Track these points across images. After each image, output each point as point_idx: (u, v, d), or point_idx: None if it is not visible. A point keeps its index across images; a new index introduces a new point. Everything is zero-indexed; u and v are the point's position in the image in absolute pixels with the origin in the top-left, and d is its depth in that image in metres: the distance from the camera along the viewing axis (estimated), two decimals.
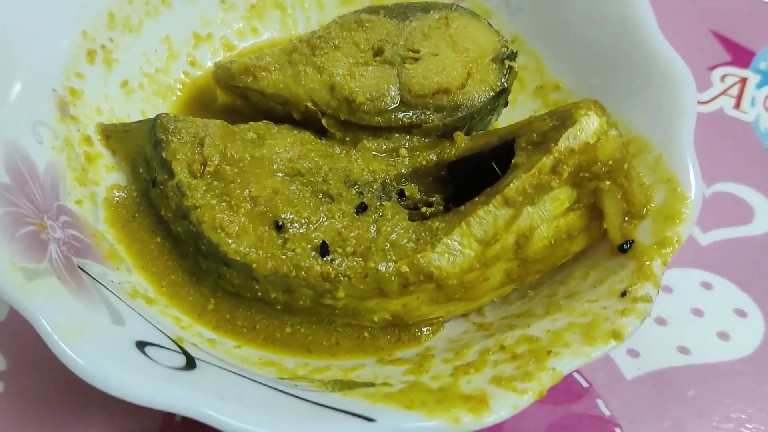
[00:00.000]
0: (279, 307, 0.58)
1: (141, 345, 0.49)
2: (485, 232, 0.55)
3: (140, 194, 0.64)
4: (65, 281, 0.50)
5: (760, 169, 0.84)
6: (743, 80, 0.91)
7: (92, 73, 0.67)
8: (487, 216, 0.55)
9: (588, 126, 0.53)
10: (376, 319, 0.58)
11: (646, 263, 0.53)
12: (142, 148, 0.63)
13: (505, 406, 0.46)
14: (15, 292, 0.47)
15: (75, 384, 0.58)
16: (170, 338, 0.52)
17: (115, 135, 0.66)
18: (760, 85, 0.91)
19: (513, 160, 0.56)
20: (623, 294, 0.52)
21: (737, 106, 0.89)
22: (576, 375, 0.66)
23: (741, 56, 0.93)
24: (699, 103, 0.88)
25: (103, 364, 0.45)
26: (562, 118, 0.54)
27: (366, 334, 0.59)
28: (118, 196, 0.64)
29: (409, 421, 0.45)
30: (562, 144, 0.53)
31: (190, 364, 0.50)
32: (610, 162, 0.53)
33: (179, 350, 0.51)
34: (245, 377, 0.50)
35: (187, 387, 0.46)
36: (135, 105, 0.70)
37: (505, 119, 0.72)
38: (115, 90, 0.70)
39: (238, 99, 0.70)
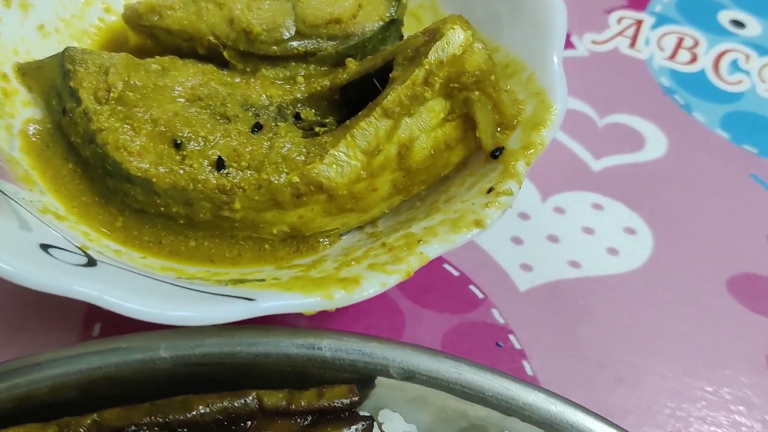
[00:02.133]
0: (182, 222, 0.62)
1: (45, 247, 0.53)
2: (368, 143, 0.60)
3: (53, 125, 0.67)
4: None
5: (652, 102, 0.90)
6: (639, 22, 0.97)
7: (8, 16, 0.71)
8: (368, 127, 0.60)
9: (454, 39, 0.58)
10: (275, 231, 0.63)
11: (512, 164, 0.58)
12: (54, 81, 0.67)
13: (374, 283, 0.51)
14: None
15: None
16: (75, 245, 0.57)
17: (30, 72, 0.70)
18: (654, 26, 0.97)
19: (390, 75, 0.61)
20: (489, 191, 0.57)
21: (632, 45, 0.94)
22: (472, 288, 0.71)
23: (637, 0, 1.00)
24: (595, 43, 0.94)
25: (8, 258, 0.49)
26: (432, 33, 0.59)
27: (267, 246, 0.64)
28: (33, 128, 0.68)
29: (287, 298, 0.50)
30: (432, 56, 0.58)
31: (91, 263, 0.54)
32: (477, 72, 0.58)
33: (82, 253, 0.55)
34: (142, 275, 0.54)
35: (84, 277, 0.50)
36: (51, 47, 0.74)
37: None
38: (31, 33, 0.73)
39: (148, 39, 0.74)
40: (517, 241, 0.75)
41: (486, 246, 0.74)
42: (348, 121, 0.61)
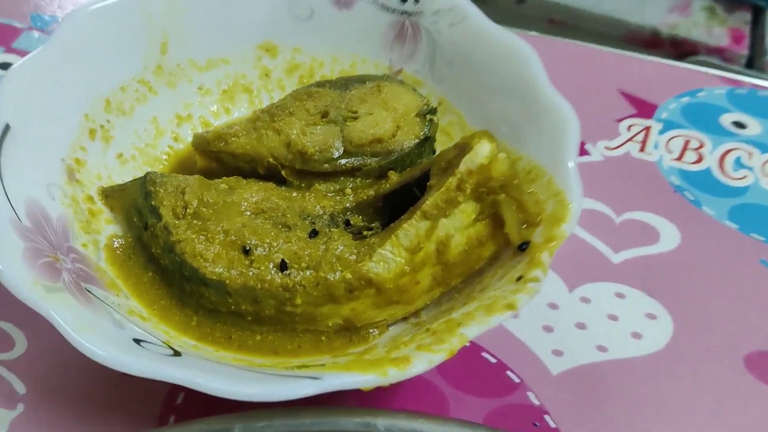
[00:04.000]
0: (249, 318, 0.70)
1: (137, 341, 0.62)
2: (410, 241, 0.68)
3: (134, 239, 0.77)
4: (75, 296, 0.63)
5: (663, 199, 0.97)
6: (647, 128, 1.06)
7: (93, 147, 0.81)
8: (410, 228, 0.68)
9: (481, 151, 0.67)
10: (330, 323, 0.70)
11: (537, 255, 0.66)
12: (135, 201, 0.77)
13: (422, 361, 0.58)
14: (38, 301, 0.59)
15: (88, 402, 0.71)
16: (160, 341, 0.65)
17: (112, 194, 0.80)
18: (662, 131, 1.05)
19: (428, 183, 0.70)
20: (518, 279, 0.65)
21: (642, 149, 1.03)
22: (509, 373, 0.76)
23: (645, 109, 1.08)
24: (608, 149, 1.03)
25: (110, 349, 0.57)
26: (462, 147, 0.69)
27: (323, 338, 0.71)
28: (116, 243, 0.77)
29: (346, 377, 0.58)
30: (463, 166, 0.67)
31: (176, 354, 0.62)
32: (501, 178, 0.67)
33: (167, 347, 0.64)
34: (221, 363, 0.63)
35: (175, 364, 0.58)
36: (128, 172, 0.84)
37: None
38: (112, 160, 0.83)
39: (213, 162, 0.85)
40: (548, 329, 0.81)
41: (520, 335, 0.80)
42: (392, 224, 0.70)
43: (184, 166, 0.88)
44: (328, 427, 0.62)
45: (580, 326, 0.82)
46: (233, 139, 0.82)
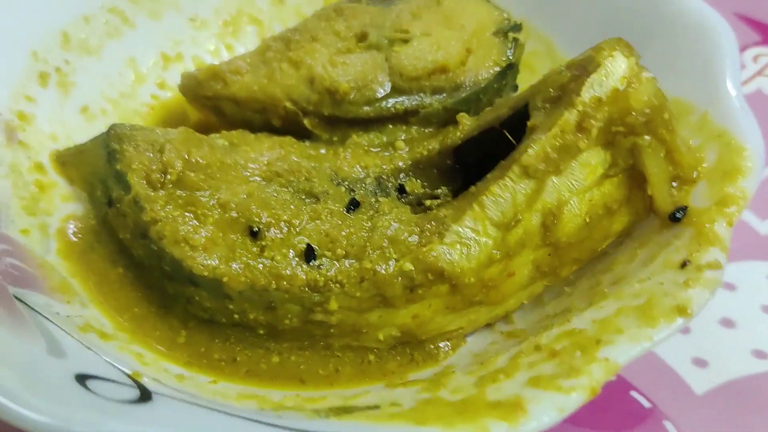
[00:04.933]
0: (262, 332, 0.49)
1: (81, 378, 0.39)
2: (503, 212, 0.46)
3: (99, 221, 0.55)
4: None
5: None
6: None
7: (45, 97, 0.61)
8: (503, 192, 0.45)
9: (615, 69, 0.44)
10: (381, 337, 0.49)
11: (707, 226, 0.43)
12: (98, 168, 0.55)
13: (547, 408, 0.36)
14: None
15: None
16: (124, 372, 0.42)
17: (70, 160, 0.58)
18: None
19: (528, 123, 0.47)
20: (683, 265, 0.42)
21: None
22: (634, 394, 0.57)
23: None
24: None
25: (28, 396, 0.35)
26: (583, 66, 0.45)
27: (371, 358, 0.50)
28: (74, 227, 0.55)
29: None
30: (587, 94, 0.44)
31: (145, 397, 0.39)
32: (646, 110, 0.44)
33: (132, 384, 0.41)
34: (214, 410, 0.39)
35: (130, 421, 0.35)
36: (97, 131, 0.62)
37: None
38: (73, 115, 0.63)
39: (211, 113, 0.63)
40: (683, 329, 0.59)
41: None
42: (472, 186, 0.47)
43: (174, 122, 0.67)
44: None
45: (727, 323, 0.62)
46: (235, 78, 0.59)
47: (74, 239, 0.55)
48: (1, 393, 0.35)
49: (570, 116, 0.45)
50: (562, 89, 0.46)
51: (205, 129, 0.64)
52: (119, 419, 0.35)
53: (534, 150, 0.45)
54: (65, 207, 0.57)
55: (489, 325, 0.51)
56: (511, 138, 0.48)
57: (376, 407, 0.41)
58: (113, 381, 0.41)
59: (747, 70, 0.83)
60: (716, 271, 0.40)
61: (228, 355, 0.49)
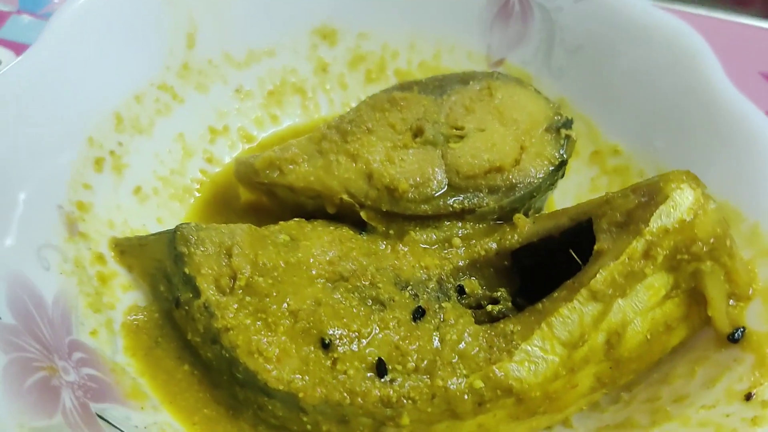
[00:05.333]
0: None
1: None
2: (570, 333, 0.47)
3: (162, 315, 0.56)
4: None
5: None
6: None
7: (101, 183, 0.61)
8: (572, 314, 0.47)
9: (683, 201, 0.45)
10: None
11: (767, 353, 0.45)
12: (162, 263, 0.56)
13: None
14: None
15: None
16: None
17: (130, 250, 0.58)
18: None
19: (595, 246, 0.48)
20: (747, 397, 0.43)
21: None
22: None
23: None
24: None
25: None
26: (650, 194, 0.47)
27: None
28: (137, 320, 0.56)
29: None
30: (654, 224, 0.45)
31: None
32: (711, 240, 0.46)
33: None
34: None
35: None
36: (150, 212, 0.63)
37: (560, 190, 0.65)
38: (127, 198, 0.63)
39: (264, 196, 0.63)
40: None
41: None
42: (540, 304, 0.48)
43: (224, 200, 0.67)
44: None
45: None
46: (291, 167, 0.59)
47: (140, 335, 0.55)
48: None
49: (638, 245, 0.46)
50: (629, 215, 0.47)
51: (256, 209, 0.65)
52: None
53: (602, 276, 0.46)
54: (126, 297, 0.57)
55: (548, 428, 0.52)
56: (577, 259, 0.49)
57: None
58: None
59: None
60: None
61: None
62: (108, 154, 0.61)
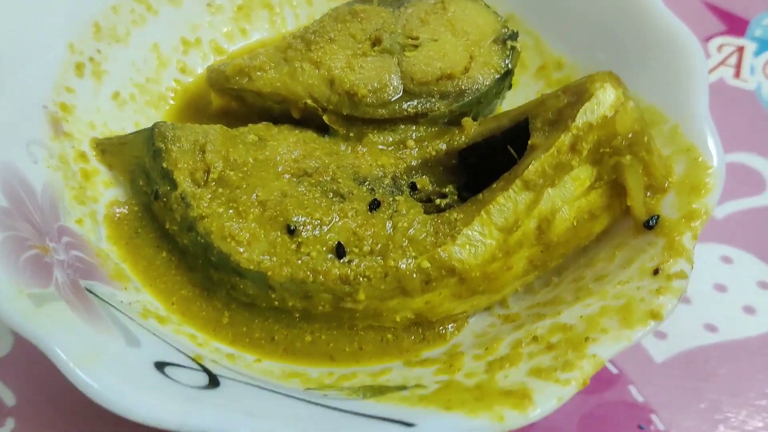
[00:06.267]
0: (297, 315, 0.56)
1: (160, 366, 0.47)
2: (506, 219, 0.53)
3: (141, 208, 0.61)
4: (74, 306, 0.47)
5: (766, 136, 0.82)
6: (740, 49, 0.89)
7: (82, 87, 0.65)
8: (507, 202, 0.53)
9: (605, 99, 0.51)
10: (398, 318, 0.56)
11: (676, 238, 0.51)
12: (141, 160, 0.61)
13: (549, 398, 0.44)
14: (24, 322, 0.44)
15: (90, 416, 0.57)
16: (189, 356, 0.50)
17: (110, 149, 0.63)
18: (757, 53, 0.89)
19: (529, 141, 0.54)
20: (656, 272, 0.50)
21: (737, 75, 0.87)
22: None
23: (735, 25, 0.92)
24: None
25: (123, 389, 0.43)
26: (577, 93, 0.52)
27: (389, 336, 0.57)
28: (118, 212, 0.61)
29: (451, 423, 0.43)
30: (580, 120, 0.51)
31: (213, 382, 0.47)
32: (629, 135, 0.52)
33: (200, 368, 0.49)
34: (272, 391, 0.48)
35: (215, 407, 0.43)
36: (128, 117, 0.68)
37: (509, 103, 0.70)
38: (106, 102, 0.67)
39: (234, 101, 0.68)
40: None
41: None
42: (480, 194, 0.54)
43: (197, 106, 0.71)
44: None
45: (684, 300, 0.67)
46: (259, 73, 0.64)
47: (121, 225, 0.61)
48: (107, 389, 0.43)
49: (566, 139, 0.52)
50: (559, 113, 0.53)
51: (226, 113, 0.70)
52: (206, 403, 0.43)
53: (534, 167, 0.52)
54: (108, 193, 0.62)
55: (488, 309, 0.58)
56: (515, 154, 0.55)
57: (404, 387, 0.50)
58: (185, 366, 0.48)
59: (712, 59, 0.86)
60: (682, 281, 0.48)
61: (267, 334, 0.56)
62: (88, 60, 0.66)
